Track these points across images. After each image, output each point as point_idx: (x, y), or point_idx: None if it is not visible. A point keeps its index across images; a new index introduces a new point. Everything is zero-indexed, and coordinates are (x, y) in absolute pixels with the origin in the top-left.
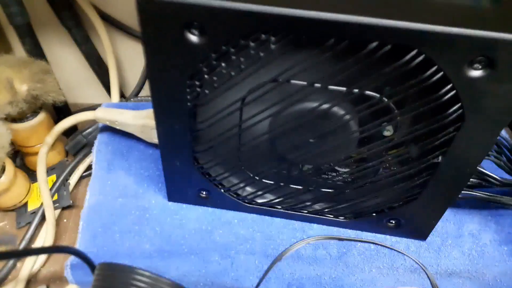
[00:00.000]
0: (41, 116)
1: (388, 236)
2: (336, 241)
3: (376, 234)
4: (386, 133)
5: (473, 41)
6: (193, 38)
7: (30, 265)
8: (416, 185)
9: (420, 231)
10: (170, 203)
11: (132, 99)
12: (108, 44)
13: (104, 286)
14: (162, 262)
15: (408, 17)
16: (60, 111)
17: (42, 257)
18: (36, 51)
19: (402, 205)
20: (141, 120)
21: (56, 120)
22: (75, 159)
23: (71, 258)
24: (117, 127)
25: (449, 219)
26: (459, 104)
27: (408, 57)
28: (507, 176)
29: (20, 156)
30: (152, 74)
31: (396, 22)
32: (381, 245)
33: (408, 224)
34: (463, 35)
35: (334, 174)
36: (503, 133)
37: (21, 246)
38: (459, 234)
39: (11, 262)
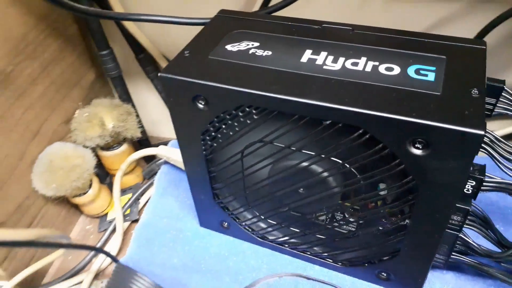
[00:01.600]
0: (124, 147)
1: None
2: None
3: (371, 284)
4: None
5: (409, 126)
6: (200, 106)
7: (100, 261)
8: (394, 242)
9: (411, 287)
10: (201, 228)
11: None
12: None
13: (115, 277)
14: (185, 275)
15: (358, 103)
16: (142, 142)
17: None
18: (125, 96)
19: (389, 259)
20: None
21: (138, 150)
22: (147, 183)
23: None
24: (171, 163)
25: (449, 282)
26: (411, 177)
27: (355, 134)
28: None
29: (109, 176)
30: (177, 130)
31: (344, 107)
32: None
33: (397, 278)
34: (400, 120)
35: (327, 221)
36: None
37: (98, 245)
38: None
39: (88, 256)
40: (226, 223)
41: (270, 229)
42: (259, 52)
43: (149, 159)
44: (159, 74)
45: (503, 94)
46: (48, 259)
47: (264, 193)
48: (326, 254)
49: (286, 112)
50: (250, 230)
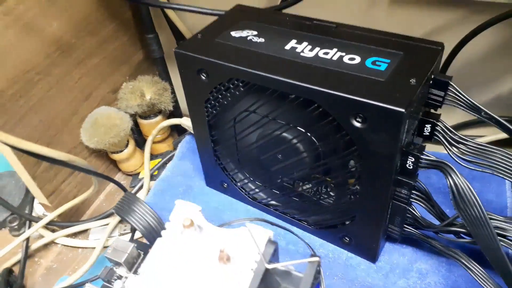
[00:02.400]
0: (159, 117)
1: (345, 251)
2: (304, 244)
3: (337, 248)
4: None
5: (349, 102)
6: (203, 78)
7: None
8: (350, 207)
9: (368, 252)
10: (207, 187)
11: None
12: None
13: (122, 201)
14: None
15: (313, 82)
16: (175, 116)
17: None
18: (164, 75)
19: (349, 225)
20: None
21: None
22: (175, 151)
23: None
24: (192, 131)
25: (404, 254)
26: (355, 147)
27: (311, 107)
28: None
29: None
30: (186, 99)
31: (301, 83)
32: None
33: (357, 242)
34: (343, 97)
35: (301, 186)
36: None
37: None
38: (408, 269)
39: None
40: (225, 184)
41: (257, 190)
42: (255, 39)
43: (181, 132)
44: (173, 50)
45: (449, 88)
46: (83, 196)
47: (251, 157)
48: (299, 216)
49: (263, 85)
50: (243, 190)
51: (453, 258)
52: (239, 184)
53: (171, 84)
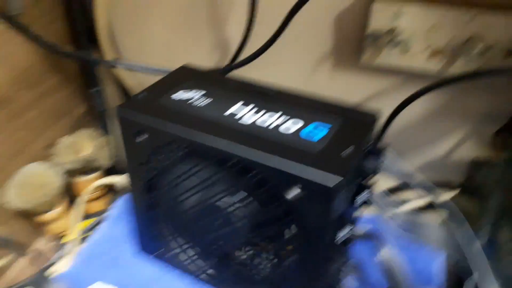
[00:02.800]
0: (96, 174)
1: None
2: None
3: None
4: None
5: (282, 174)
6: (143, 139)
7: None
8: (286, 278)
9: None
10: (139, 255)
11: None
12: None
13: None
14: None
15: (247, 150)
16: (117, 172)
17: None
18: (108, 129)
19: None
20: None
21: None
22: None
23: None
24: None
25: None
26: (291, 217)
27: (251, 174)
28: None
29: None
30: (127, 157)
31: (234, 152)
32: None
33: None
34: (276, 169)
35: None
36: None
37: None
38: None
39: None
40: (160, 250)
41: (194, 257)
42: (195, 103)
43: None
44: (116, 110)
45: (384, 156)
46: None
47: (189, 222)
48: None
49: (198, 150)
50: (178, 259)
51: None
52: (175, 251)
53: (114, 138)
